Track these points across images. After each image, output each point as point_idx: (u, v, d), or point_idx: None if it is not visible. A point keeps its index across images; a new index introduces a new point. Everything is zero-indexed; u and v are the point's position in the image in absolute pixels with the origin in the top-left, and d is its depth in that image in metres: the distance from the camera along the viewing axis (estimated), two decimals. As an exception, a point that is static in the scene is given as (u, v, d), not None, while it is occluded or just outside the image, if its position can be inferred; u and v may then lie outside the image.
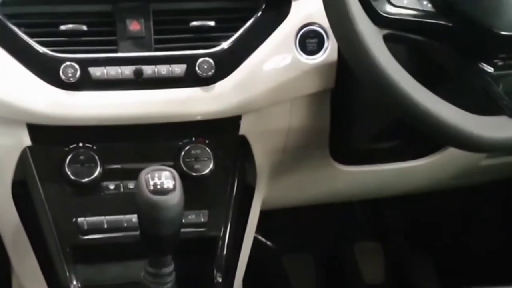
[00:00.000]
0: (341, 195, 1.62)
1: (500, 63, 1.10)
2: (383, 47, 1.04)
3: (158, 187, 1.09)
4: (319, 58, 1.32)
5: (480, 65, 1.09)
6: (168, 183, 1.10)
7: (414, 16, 1.07)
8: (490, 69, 1.10)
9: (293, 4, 1.31)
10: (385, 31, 1.06)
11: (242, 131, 1.35)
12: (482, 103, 1.11)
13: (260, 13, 1.30)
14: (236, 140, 1.36)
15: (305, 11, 1.31)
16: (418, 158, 1.50)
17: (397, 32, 1.08)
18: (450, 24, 1.07)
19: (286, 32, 1.30)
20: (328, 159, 1.47)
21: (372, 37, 1.03)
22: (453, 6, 1.07)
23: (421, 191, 1.66)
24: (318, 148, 1.45)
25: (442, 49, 1.11)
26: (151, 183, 1.10)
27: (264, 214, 1.49)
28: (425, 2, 1.09)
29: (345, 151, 1.47)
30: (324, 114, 1.39)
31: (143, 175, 1.11)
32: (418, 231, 2.11)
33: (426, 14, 1.08)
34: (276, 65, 1.30)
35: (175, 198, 1.10)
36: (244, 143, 1.37)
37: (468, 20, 1.06)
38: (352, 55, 1.05)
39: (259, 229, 1.49)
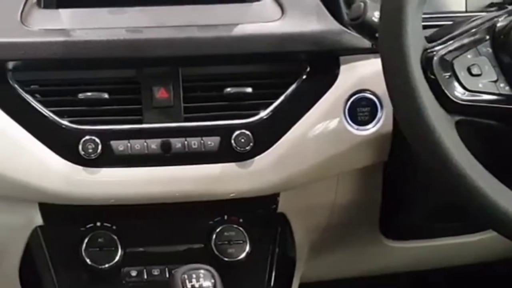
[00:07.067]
0: (387, 269, 1.47)
1: None
2: (456, 137, 0.91)
3: None
4: (371, 129, 1.16)
5: None
6: (208, 284, 1.01)
7: (489, 101, 0.94)
8: None
9: (342, 67, 1.15)
10: (457, 118, 0.93)
11: (281, 208, 1.21)
12: None
13: (304, 78, 1.14)
14: (274, 219, 1.21)
15: (356, 76, 1.15)
16: (470, 234, 1.37)
17: (470, 118, 0.93)
18: None
19: (333, 100, 1.14)
20: (377, 235, 1.33)
21: (444, 126, 0.89)
22: None
23: (468, 264, 1.50)
24: (367, 225, 1.31)
25: None
26: (189, 285, 1.00)
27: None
28: (502, 85, 0.93)
29: (397, 227, 1.32)
30: (375, 189, 1.25)
31: (178, 276, 1.01)
32: None
33: (503, 98, 0.94)
34: (322, 138, 1.15)
35: None
36: (283, 221, 1.22)
37: None
38: (421, 145, 0.91)
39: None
